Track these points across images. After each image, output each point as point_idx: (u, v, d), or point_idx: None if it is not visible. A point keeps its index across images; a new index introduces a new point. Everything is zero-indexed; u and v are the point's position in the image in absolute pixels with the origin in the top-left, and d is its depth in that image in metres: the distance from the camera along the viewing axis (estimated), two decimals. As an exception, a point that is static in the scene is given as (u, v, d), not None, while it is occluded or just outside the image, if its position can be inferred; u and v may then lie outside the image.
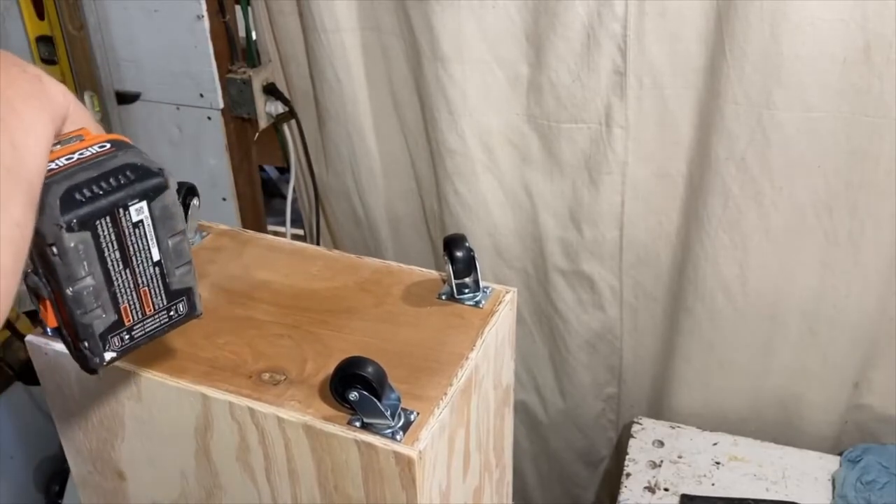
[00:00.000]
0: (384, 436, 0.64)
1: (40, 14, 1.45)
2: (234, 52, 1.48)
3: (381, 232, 1.55)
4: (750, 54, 1.10)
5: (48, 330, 0.73)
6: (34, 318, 0.91)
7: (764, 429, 1.39)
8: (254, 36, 1.48)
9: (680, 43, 1.16)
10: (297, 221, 1.69)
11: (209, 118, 1.50)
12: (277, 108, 1.51)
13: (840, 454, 1.31)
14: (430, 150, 1.39)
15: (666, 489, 1.27)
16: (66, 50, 1.45)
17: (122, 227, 0.52)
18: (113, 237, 0.52)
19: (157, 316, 0.56)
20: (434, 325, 0.77)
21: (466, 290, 0.79)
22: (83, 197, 0.50)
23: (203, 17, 1.40)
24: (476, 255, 0.79)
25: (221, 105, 1.48)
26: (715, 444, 1.35)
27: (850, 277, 1.23)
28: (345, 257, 0.87)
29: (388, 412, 0.64)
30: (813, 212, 1.20)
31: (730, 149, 1.18)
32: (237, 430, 0.70)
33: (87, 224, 0.50)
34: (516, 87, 1.29)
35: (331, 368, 0.65)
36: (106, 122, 1.52)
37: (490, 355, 0.77)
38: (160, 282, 0.56)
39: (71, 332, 0.53)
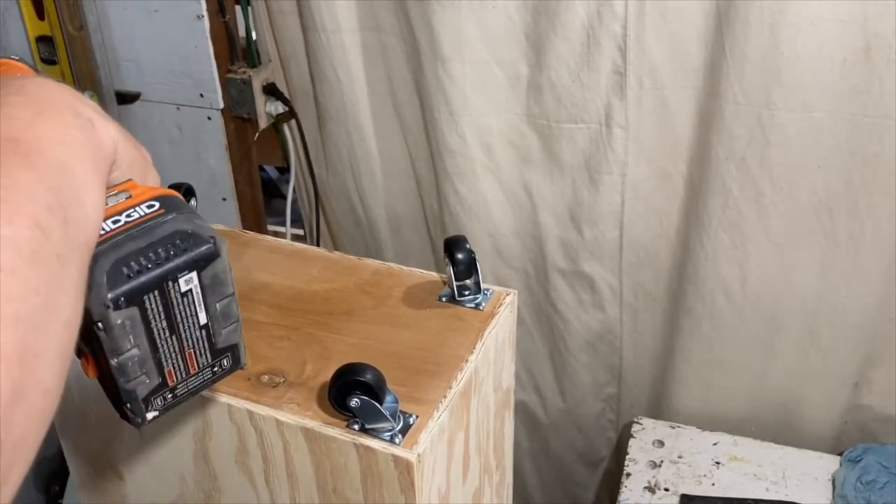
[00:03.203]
0: (383, 439, 0.64)
1: (40, 14, 1.45)
2: (234, 52, 1.48)
3: (381, 232, 1.55)
4: (750, 54, 1.10)
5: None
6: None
7: (764, 429, 1.39)
8: (254, 36, 1.48)
9: (680, 43, 1.16)
10: (297, 221, 1.69)
11: (209, 118, 1.50)
12: (277, 108, 1.51)
13: (840, 454, 1.30)
14: (430, 150, 1.39)
15: (666, 489, 1.27)
16: (66, 50, 1.45)
17: (170, 298, 0.50)
18: (160, 308, 0.50)
19: (201, 373, 0.55)
20: (434, 328, 0.76)
21: (467, 293, 0.79)
22: (131, 271, 0.47)
23: (203, 17, 1.39)
24: (477, 257, 0.79)
25: (221, 105, 1.48)
26: (715, 444, 1.35)
27: (850, 278, 1.23)
28: (345, 259, 0.87)
29: (388, 415, 0.63)
30: (813, 212, 1.20)
31: (730, 149, 1.18)
32: (236, 432, 0.70)
33: (134, 300, 0.48)
34: (516, 87, 1.29)
35: (330, 371, 0.65)
36: (106, 122, 1.51)
37: (490, 358, 0.77)
38: (206, 343, 0.54)
39: (113, 394, 0.52)
